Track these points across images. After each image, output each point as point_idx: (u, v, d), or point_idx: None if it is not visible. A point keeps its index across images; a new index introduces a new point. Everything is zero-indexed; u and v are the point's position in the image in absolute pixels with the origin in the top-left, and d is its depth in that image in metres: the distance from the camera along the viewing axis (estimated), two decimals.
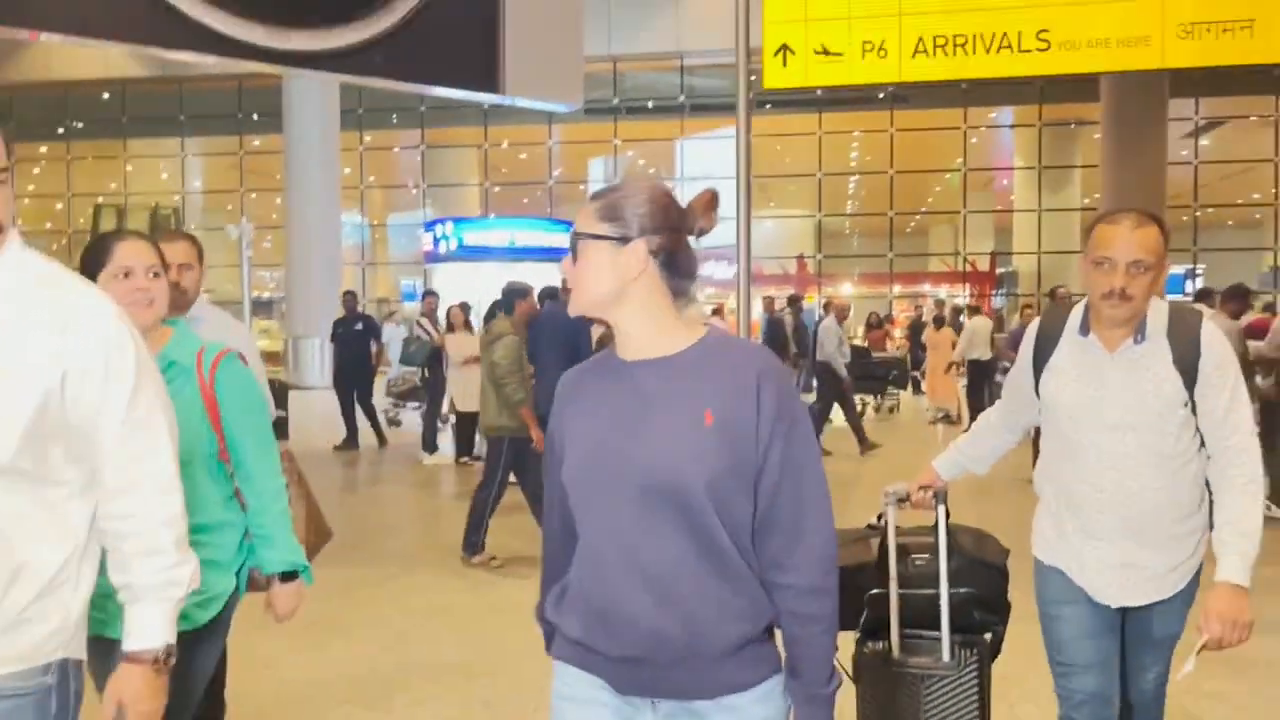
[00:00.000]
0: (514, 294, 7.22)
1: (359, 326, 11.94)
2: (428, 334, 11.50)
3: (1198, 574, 2.64)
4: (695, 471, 1.70)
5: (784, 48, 5.79)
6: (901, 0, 5.70)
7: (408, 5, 6.61)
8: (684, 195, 1.83)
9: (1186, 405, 2.54)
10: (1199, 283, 19.63)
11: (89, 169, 28.32)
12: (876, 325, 19.26)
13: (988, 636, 3.02)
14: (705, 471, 1.71)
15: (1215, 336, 2.57)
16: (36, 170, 28.51)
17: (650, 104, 25.56)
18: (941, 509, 2.91)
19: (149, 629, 1.80)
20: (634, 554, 1.75)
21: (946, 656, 2.83)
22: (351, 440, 11.85)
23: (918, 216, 28.70)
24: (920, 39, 5.63)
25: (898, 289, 26.80)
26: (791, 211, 26.81)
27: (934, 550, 2.92)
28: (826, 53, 5.71)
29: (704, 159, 25.90)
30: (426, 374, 11.63)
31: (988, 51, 5.56)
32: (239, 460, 2.54)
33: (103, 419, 1.70)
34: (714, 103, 24.77)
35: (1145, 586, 2.60)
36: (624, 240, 1.77)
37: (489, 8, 6.94)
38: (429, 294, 12.51)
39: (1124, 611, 2.67)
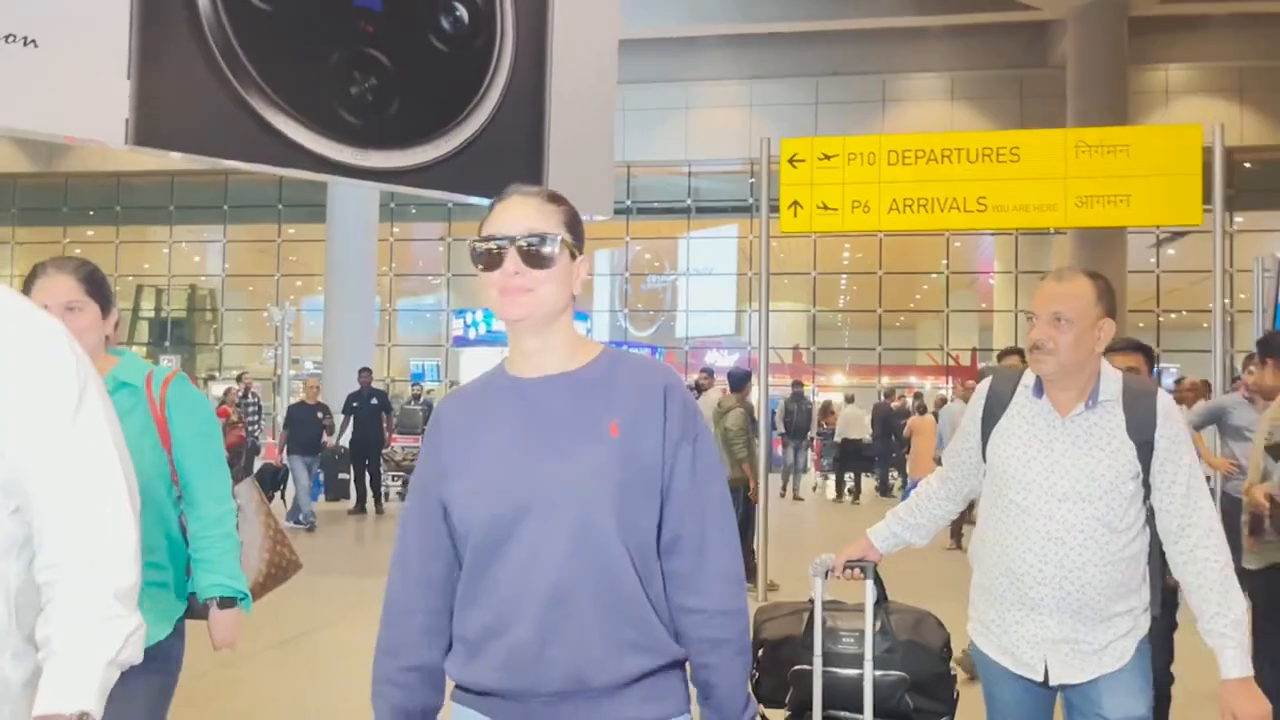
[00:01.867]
0: (743, 377, 8.70)
1: (374, 401, 12.80)
2: None
3: (1143, 648, 2.46)
4: (598, 486, 1.57)
5: (795, 203, 7.27)
6: (880, 172, 7.23)
7: (471, 129, 7.56)
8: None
9: (1138, 478, 2.37)
10: (1167, 381, 20.56)
11: (136, 252, 29.38)
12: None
13: None
14: (609, 486, 1.57)
15: (1171, 408, 2.42)
16: (79, 251, 29.61)
17: (659, 204, 26.73)
18: (870, 584, 2.72)
19: (64, 688, 1.40)
20: (528, 577, 1.57)
21: None
22: (360, 505, 12.77)
23: (904, 314, 29.67)
24: (894, 200, 7.20)
25: (886, 380, 27.62)
26: (788, 306, 27.80)
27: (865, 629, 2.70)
28: (825, 208, 7.18)
29: (707, 255, 27.01)
30: None
31: (942, 210, 7.14)
32: (184, 483, 2.40)
33: (40, 453, 1.43)
34: (717, 205, 25.98)
35: (1079, 663, 2.41)
36: (575, 253, 1.66)
37: (535, 132, 7.87)
38: None
39: (1065, 694, 2.47)
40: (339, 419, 13.17)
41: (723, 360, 23.16)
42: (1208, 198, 6.98)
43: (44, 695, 1.41)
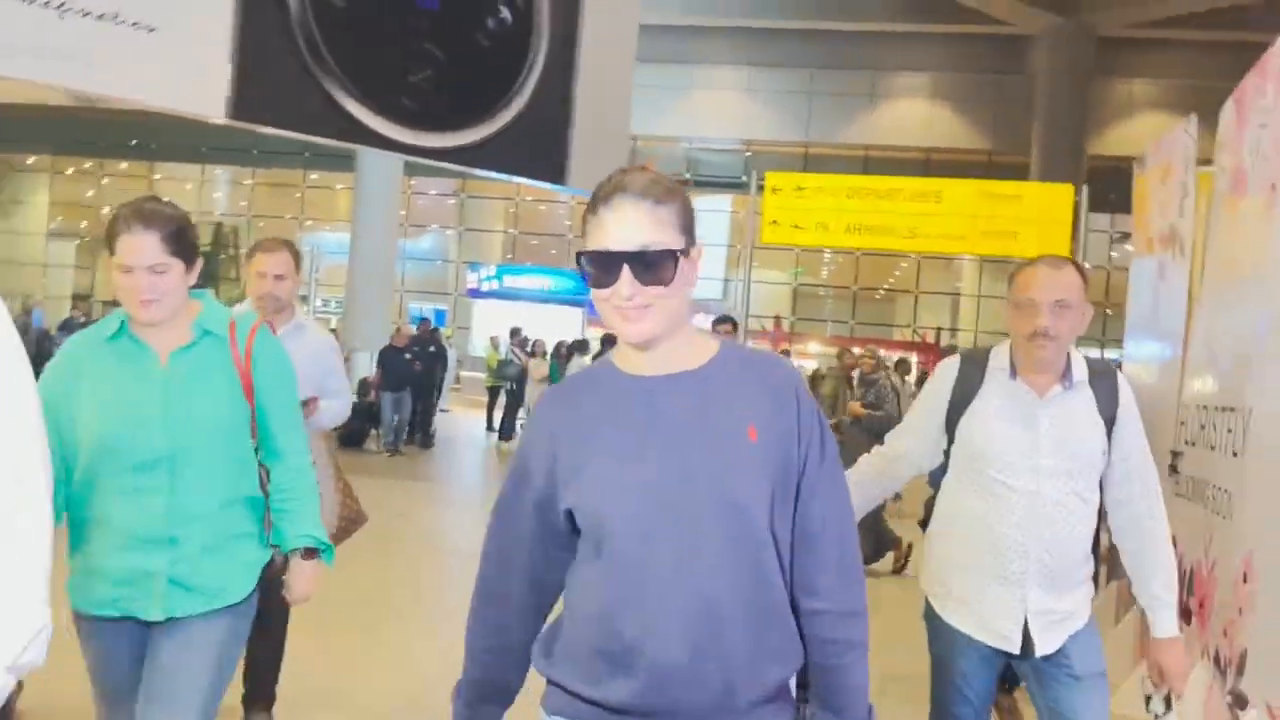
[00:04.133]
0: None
1: (433, 348, 14.11)
2: (518, 358, 14.07)
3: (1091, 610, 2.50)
4: (753, 492, 1.44)
5: (774, 221, 8.99)
6: (840, 203, 9.50)
7: (510, 114, 8.50)
8: None
9: (1105, 452, 2.40)
10: None
11: (166, 188, 30.01)
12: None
13: None
14: (762, 491, 1.44)
15: (1127, 385, 2.46)
16: (105, 181, 30.29)
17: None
18: None
19: None
20: (677, 594, 1.43)
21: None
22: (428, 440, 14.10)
23: (881, 291, 30.60)
24: (848, 224, 9.52)
25: (857, 351, 28.45)
26: (773, 277, 28.64)
27: None
28: (797, 226, 8.65)
29: (701, 226, 27.84)
30: (514, 386, 14.24)
31: (883, 234, 9.59)
32: (268, 434, 2.28)
33: None
34: (713, 180, 26.91)
35: (1054, 631, 2.40)
36: (688, 251, 1.46)
37: (564, 115, 8.80)
38: (516, 330, 15.26)
39: (1032, 661, 2.43)
40: (369, 359, 14.31)
41: (702, 324, 24.26)
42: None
43: None
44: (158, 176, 29.45)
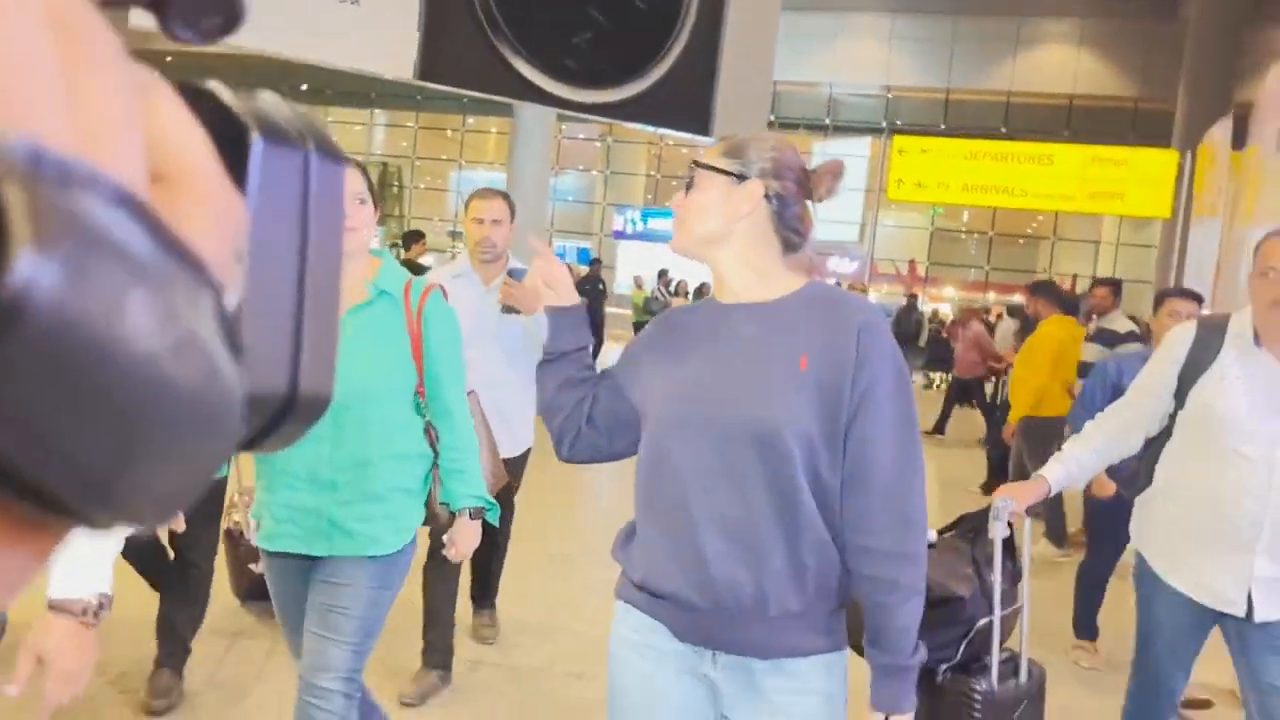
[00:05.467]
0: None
1: (601, 286, 14.85)
2: (663, 297, 14.90)
3: None
4: (781, 418, 1.48)
5: (900, 180, 9.50)
6: (958, 164, 10.10)
7: (660, 72, 9.14)
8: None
9: None
10: None
11: (339, 131, 31.66)
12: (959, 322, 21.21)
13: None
14: (792, 418, 1.48)
15: None
16: None
17: (799, 120, 27.75)
18: (1028, 524, 2.64)
19: (81, 571, 1.34)
20: (712, 498, 1.53)
21: (1024, 678, 2.55)
22: None
23: (1023, 238, 29.96)
24: (966, 183, 10.17)
25: (992, 296, 28.28)
26: (911, 222, 28.28)
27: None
28: (919, 184, 9.22)
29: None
30: None
31: (998, 193, 10.12)
32: (437, 395, 2.29)
33: None
34: (853, 125, 26.89)
35: (1277, 598, 2.35)
36: (741, 179, 1.57)
37: (710, 72, 9.42)
38: (663, 271, 15.95)
39: (1242, 628, 2.39)
40: None
41: (844, 267, 24.46)
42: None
43: (61, 580, 1.31)
44: (330, 119, 31.01)
